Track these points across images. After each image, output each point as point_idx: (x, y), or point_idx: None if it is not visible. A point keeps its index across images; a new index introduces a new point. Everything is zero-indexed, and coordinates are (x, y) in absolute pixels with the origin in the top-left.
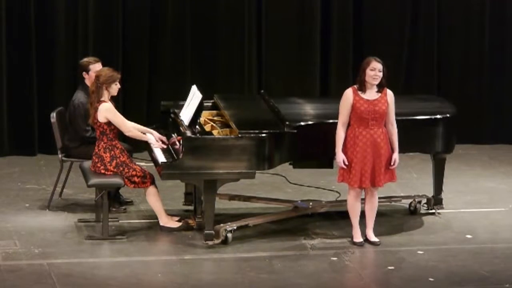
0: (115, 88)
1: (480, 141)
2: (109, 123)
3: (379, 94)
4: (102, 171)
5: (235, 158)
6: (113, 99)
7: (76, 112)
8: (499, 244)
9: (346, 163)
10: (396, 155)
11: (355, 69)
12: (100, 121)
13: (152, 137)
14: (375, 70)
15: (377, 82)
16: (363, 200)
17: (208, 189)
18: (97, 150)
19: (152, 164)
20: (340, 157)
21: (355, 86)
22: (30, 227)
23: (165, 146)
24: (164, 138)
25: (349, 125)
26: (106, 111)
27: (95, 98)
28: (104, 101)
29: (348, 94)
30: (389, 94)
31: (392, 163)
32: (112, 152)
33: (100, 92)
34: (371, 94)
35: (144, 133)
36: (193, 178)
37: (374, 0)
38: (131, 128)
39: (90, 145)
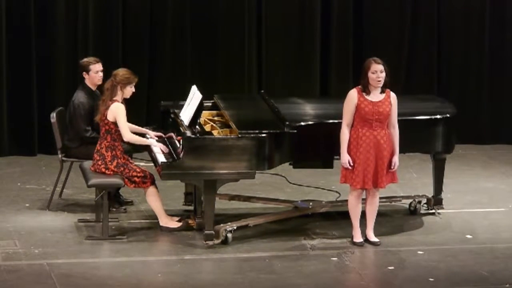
0: (129, 90)
1: (480, 141)
2: (116, 123)
3: (383, 96)
4: (103, 170)
5: (235, 158)
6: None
7: (76, 112)
8: (499, 244)
9: (352, 164)
10: (396, 158)
11: (355, 69)
12: (109, 119)
13: (154, 141)
14: (376, 73)
15: (381, 84)
16: (363, 201)
17: (208, 189)
18: (99, 148)
19: (152, 164)
20: (346, 158)
21: (359, 87)
22: (30, 227)
23: (166, 150)
24: (160, 134)
25: (352, 126)
26: (117, 110)
27: (108, 96)
28: (116, 101)
29: (353, 94)
30: (393, 96)
31: (392, 166)
32: (114, 152)
33: (114, 91)
34: (375, 95)
35: (143, 136)
36: (193, 178)
37: (374, 0)
38: (131, 137)
39: (90, 145)
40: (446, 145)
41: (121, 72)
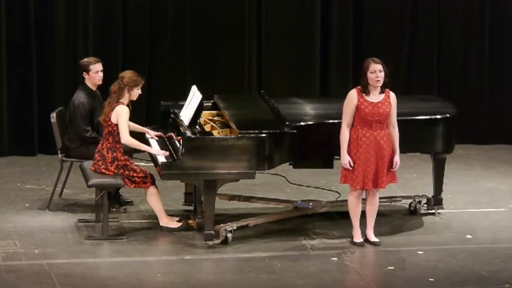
0: (136, 92)
1: (480, 141)
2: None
3: (383, 96)
4: (103, 170)
5: (235, 158)
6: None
7: (76, 112)
8: (499, 244)
9: (352, 164)
10: (397, 158)
11: (355, 69)
12: (112, 121)
13: (154, 148)
14: (375, 72)
15: (380, 83)
16: (363, 201)
17: (208, 189)
18: (100, 148)
19: (152, 164)
20: (346, 159)
21: (359, 87)
22: (30, 227)
23: (167, 153)
24: (160, 134)
25: (352, 126)
26: (121, 113)
27: (115, 98)
28: (122, 103)
29: (353, 95)
30: (392, 96)
31: (393, 166)
32: (115, 154)
33: (121, 93)
34: (375, 96)
35: (143, 136)
36: (193, 178)
37: (374, 0)
38: (129, 140)
39: (90, 145)
40: (446, 145)
41: (128, 74)
